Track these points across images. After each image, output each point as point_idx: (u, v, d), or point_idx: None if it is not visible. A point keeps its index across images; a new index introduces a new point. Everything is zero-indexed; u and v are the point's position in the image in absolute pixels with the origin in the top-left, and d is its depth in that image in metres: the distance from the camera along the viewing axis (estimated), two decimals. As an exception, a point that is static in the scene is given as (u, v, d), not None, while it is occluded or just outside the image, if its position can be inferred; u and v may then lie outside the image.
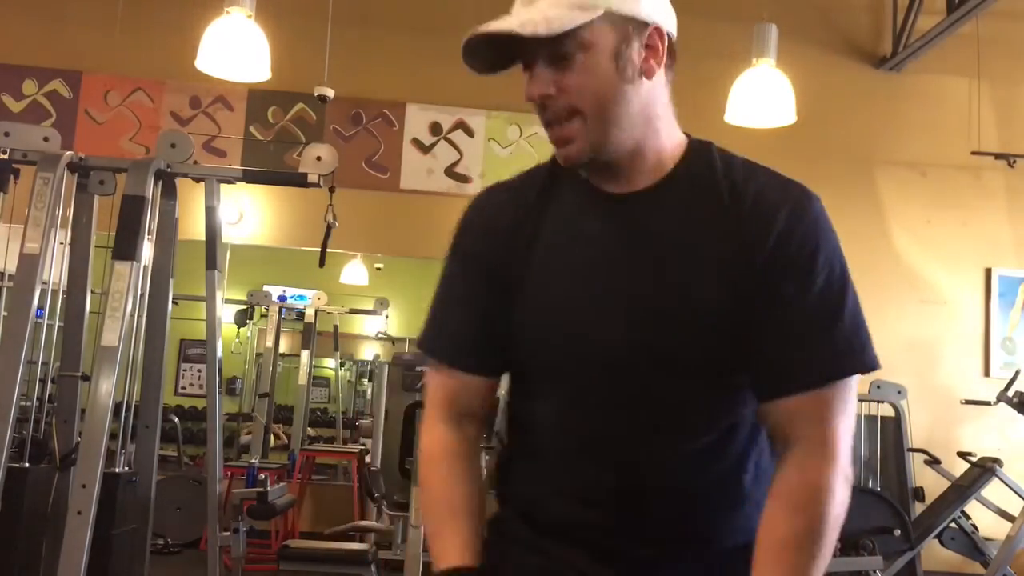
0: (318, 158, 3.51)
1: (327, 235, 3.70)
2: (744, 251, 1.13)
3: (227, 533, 3.59)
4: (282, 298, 6.88)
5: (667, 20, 1.19)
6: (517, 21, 1.12)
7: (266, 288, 6.85)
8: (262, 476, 3.92)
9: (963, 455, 5.80)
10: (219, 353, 3.66)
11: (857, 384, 1.16)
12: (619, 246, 1.17)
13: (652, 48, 1.16)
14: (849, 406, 1.13)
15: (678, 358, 1.15)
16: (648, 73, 1.16)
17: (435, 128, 6.78)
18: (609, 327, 1.16)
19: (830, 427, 1.12)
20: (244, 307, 6.72)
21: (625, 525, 1.19)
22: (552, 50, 1.13)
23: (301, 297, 7.11)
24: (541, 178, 1.26)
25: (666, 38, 1.18)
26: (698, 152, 1.23)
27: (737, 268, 1.13)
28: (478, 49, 1.17)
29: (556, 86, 1.15)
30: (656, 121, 1.19)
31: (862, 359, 1.13)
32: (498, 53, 1.18)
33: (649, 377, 1.16)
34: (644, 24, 1.15)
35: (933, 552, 5.84)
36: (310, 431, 7.29)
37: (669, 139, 1.22)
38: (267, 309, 6.65)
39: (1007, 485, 5.50)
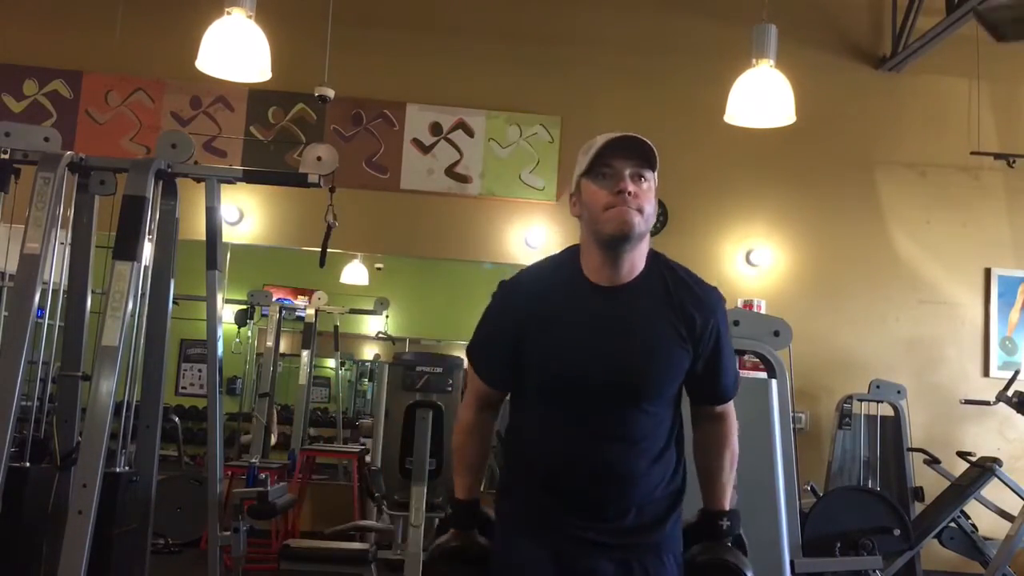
0: (318, 158, 3.51)
1: (327, 235, 3.69)
2: (682, 329, 1.86)
3: (227, 533, 3.58)
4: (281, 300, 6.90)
5: None
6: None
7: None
8: (262, 476, 3.92)
9: (963, 455, 5.80)
10: (219, 353, 3.65)
11: None
12: (606, 319, 1.85)
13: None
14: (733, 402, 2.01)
15: (640, 392, 1.86)
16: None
17: (435, 128, 6.78)
18: (597, 372, 1.83)
19: (732, 413, 2.02)
20: (244, 307, 6.72)
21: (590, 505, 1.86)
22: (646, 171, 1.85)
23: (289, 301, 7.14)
24: (558, 273, 1.92)
25: None
26: (655, 261, 1.90)
27: (677, 339, 1.86)
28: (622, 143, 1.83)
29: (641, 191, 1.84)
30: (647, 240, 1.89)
31: (736, 386, 1.99)
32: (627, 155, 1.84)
33: (615, 404, 1.85)
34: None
35: (933, 552, 5.85)
36: (310, 431, 7.29)
37: (645, 251, 1.89)
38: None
39: (1007, 485, 5.51)
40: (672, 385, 1.89)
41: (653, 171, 1.84)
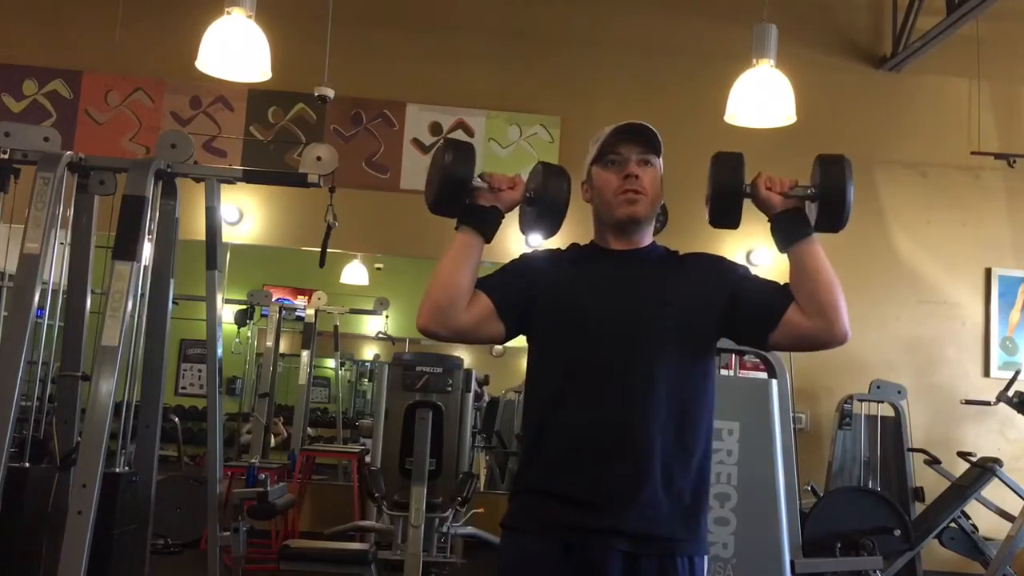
0: (318, 158, 3.51)
1: (327, 235, 3.69)
2: (692, 278, 1.95)
3: (227, 533, 3.59)
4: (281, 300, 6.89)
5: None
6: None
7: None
8: (262, 476, 3.92)
9: (963, 455, 5.80)
10: (219, 353, 3.66)
11: None
12: (620, 275, 1.94)
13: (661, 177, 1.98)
14: None
15: (660, 341, 1.87)
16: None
17: (435, 128, 6.78)
18: (613, 321, 1.88)
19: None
20: (244, 307, 6.71)
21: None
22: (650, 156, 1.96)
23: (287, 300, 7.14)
24: (571, 248, 2.05)
25: None
26: (655, 244, 2.03)
27: (689, 288, 1.93)
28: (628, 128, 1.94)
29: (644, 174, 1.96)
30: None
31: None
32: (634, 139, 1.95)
33: (635, 356, 1.86)
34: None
35: (933, 552, 5.85)
36: (310, 431, 7.28)
37: (651, 232, 2.02)
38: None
39: (1007, 485, 5.51)
40: (688, 339, 1.89)
41: (658, 156, 1.95)
